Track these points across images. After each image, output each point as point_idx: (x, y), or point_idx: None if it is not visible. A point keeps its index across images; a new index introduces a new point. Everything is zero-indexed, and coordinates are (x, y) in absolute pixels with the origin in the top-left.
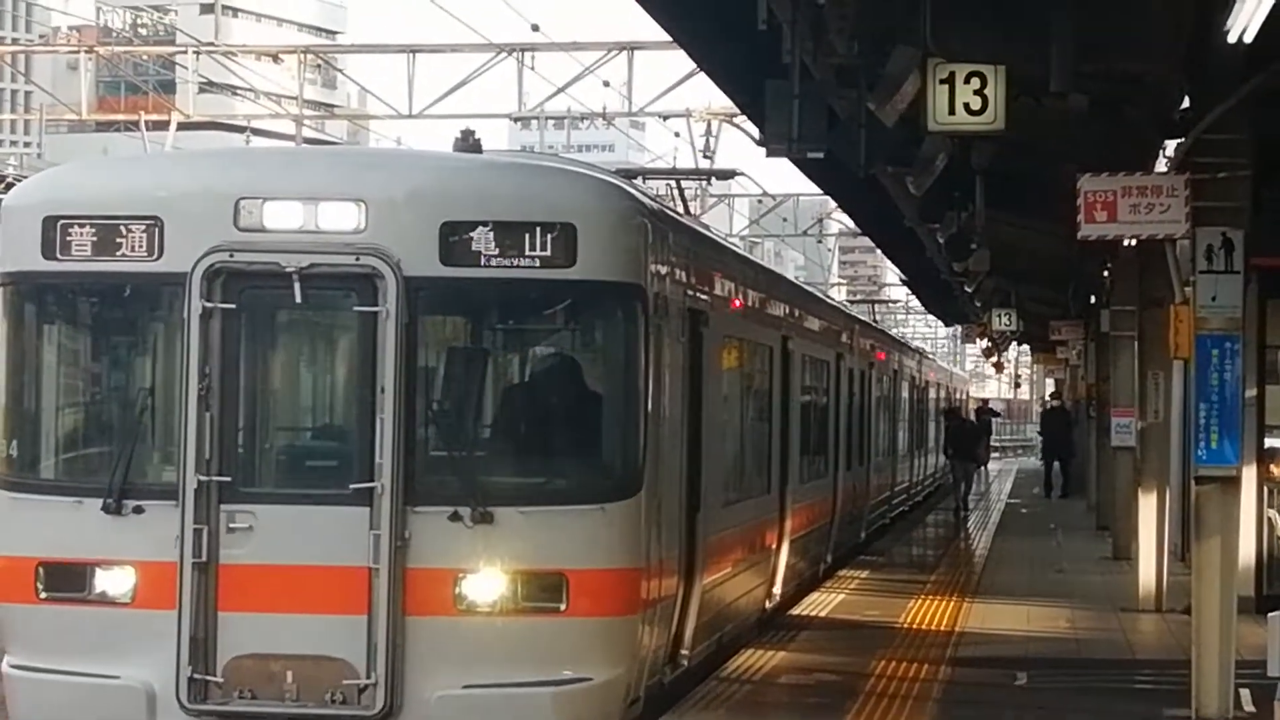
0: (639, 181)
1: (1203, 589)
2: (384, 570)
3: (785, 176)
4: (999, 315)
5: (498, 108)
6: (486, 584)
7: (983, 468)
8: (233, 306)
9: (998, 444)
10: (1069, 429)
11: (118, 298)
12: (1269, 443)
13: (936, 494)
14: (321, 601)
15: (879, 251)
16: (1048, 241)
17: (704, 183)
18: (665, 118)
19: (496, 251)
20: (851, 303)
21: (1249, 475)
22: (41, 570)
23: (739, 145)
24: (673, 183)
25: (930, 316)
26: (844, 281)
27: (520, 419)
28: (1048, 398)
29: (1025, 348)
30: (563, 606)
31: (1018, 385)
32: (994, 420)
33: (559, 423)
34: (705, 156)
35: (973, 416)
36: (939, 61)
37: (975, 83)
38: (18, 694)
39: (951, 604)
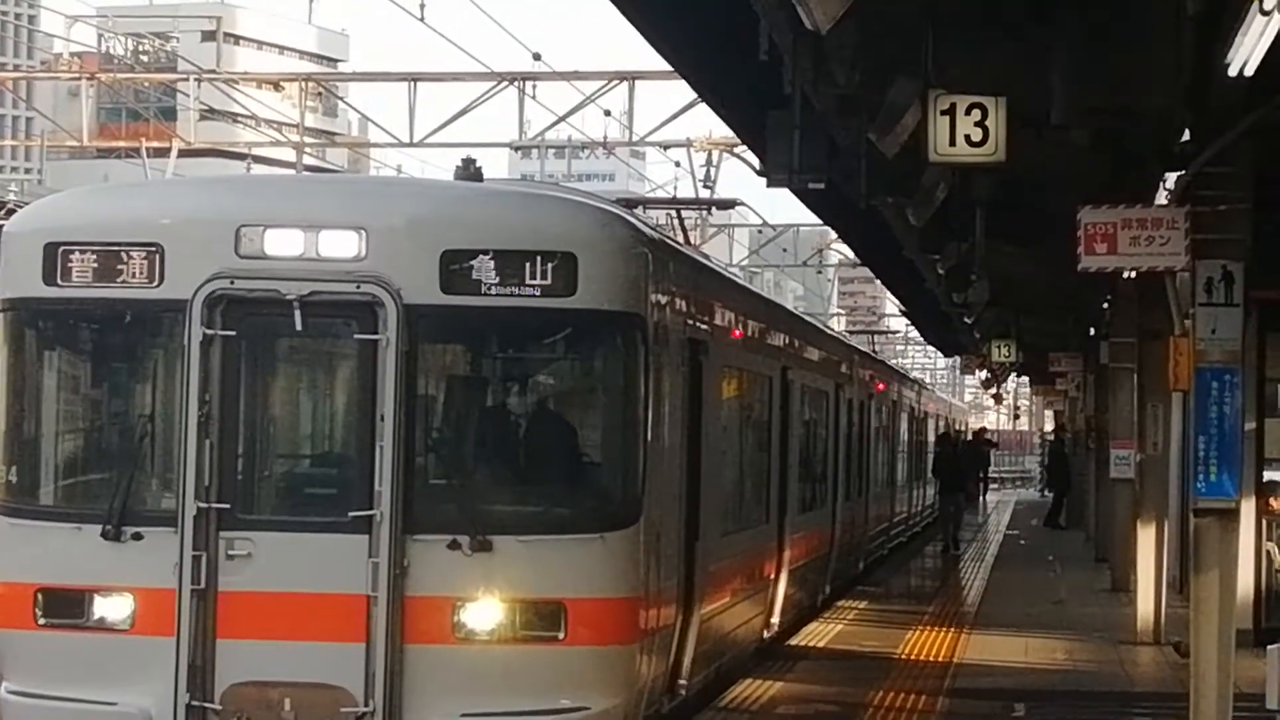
0: (639, 211)
1: (1201, 622)
2: (382, 598)
3: (785, 206)
4: (998, 346)
5: (498, 136)
6: (485, 612)
7: (976, 500)
8: (233, 333)
9: (995, 475)
10: (1063, 461)
11: (118, 324)
12: (1268, 476)
13: (935, 525)
14: (320, 629)
15: (878, 282)
16: (1048, 273)
17: (704, 212)
18: (666, 147)
19: (497, 280)
20: (851, 333)
21: (1248, 508)
22: (40, 596)
23: (739, 175)
24: (673, 212)
25: (929, 347)
26: (843, 312)
27: (519, 447)
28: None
29: (1025, 379)
30: (561, 635)
31: (1016, 416)
32: (991, 451)
33: (558, 451)
34: (706, 186)
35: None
36: (940, 93)
37: (976, 114)
38: None
39: (949, 635)
